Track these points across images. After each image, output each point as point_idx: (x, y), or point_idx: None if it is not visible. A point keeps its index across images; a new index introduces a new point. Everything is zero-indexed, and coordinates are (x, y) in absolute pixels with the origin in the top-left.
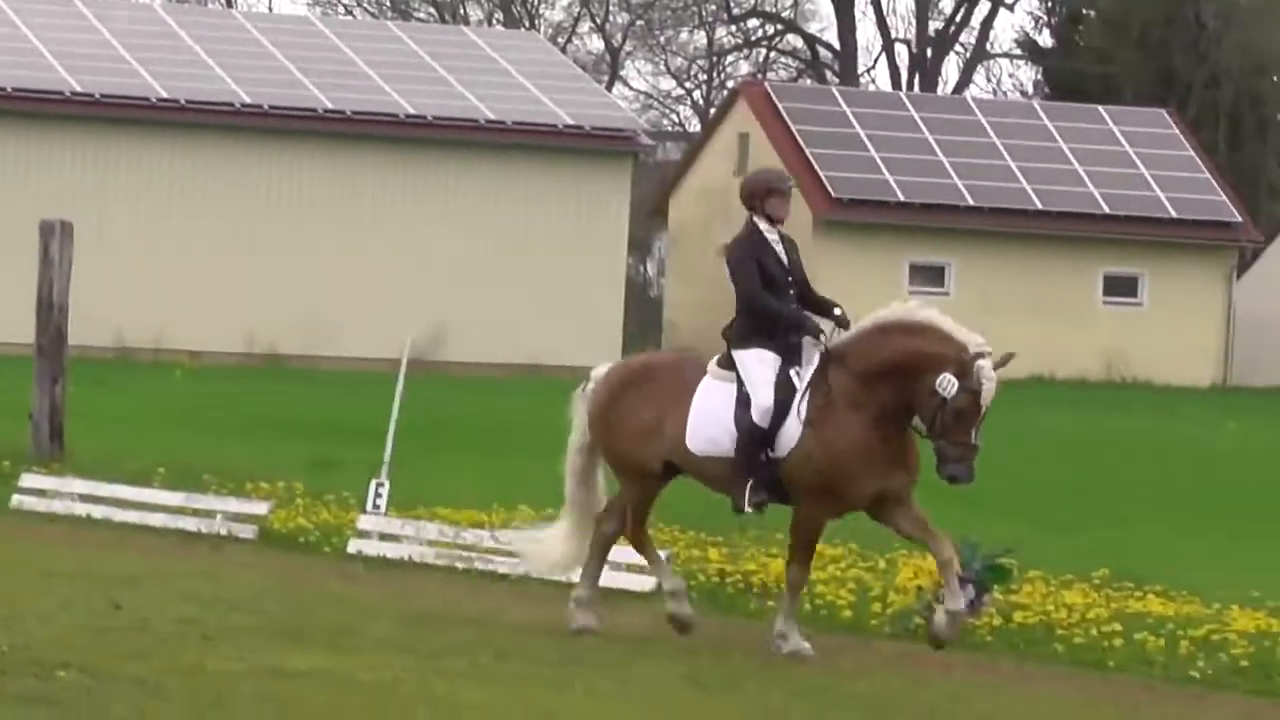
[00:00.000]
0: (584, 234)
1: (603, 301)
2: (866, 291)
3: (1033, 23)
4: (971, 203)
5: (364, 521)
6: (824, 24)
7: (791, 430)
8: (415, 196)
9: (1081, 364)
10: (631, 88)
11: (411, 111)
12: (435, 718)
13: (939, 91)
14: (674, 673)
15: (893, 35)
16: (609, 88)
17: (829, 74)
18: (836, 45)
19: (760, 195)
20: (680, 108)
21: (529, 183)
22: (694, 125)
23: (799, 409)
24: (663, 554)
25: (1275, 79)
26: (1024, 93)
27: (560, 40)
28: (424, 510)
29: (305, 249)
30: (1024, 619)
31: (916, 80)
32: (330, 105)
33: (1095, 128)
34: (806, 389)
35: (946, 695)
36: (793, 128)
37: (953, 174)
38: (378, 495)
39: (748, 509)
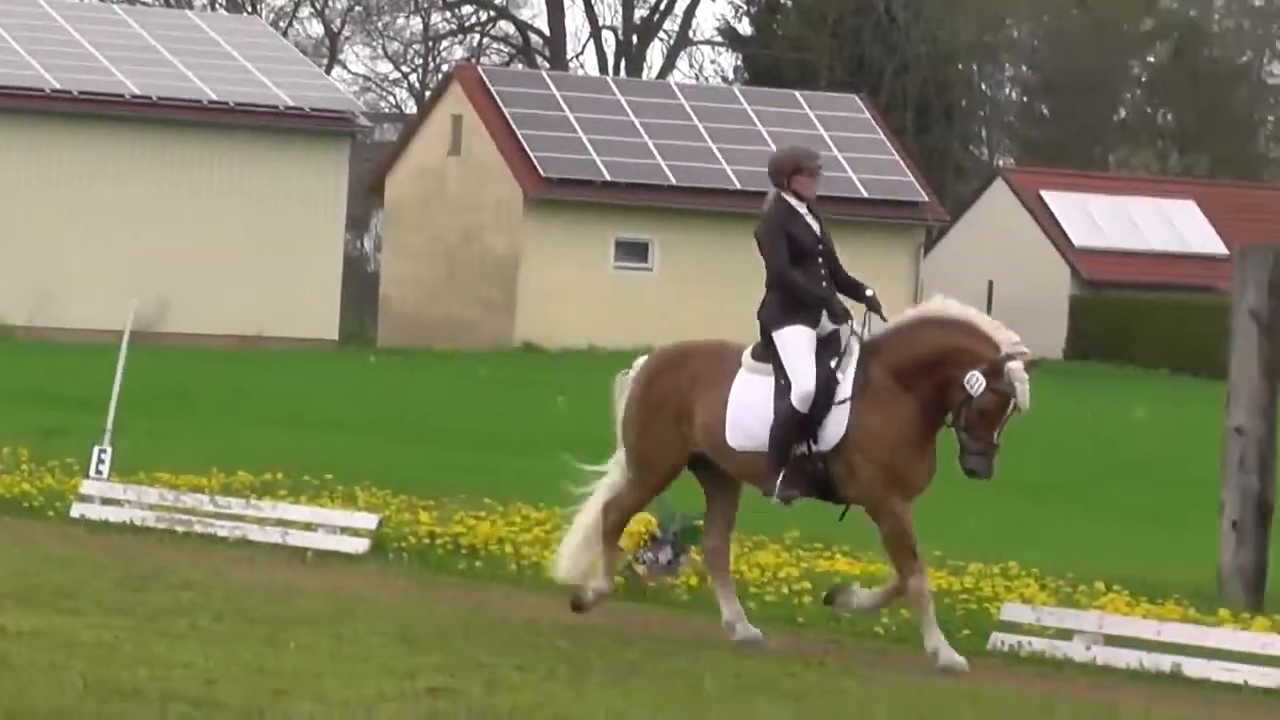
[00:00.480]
0: (304, 211)
1: (321, 275)
2: (574, 265)
3: (733, 11)
4: (674, 182)
5: (87, 486)
6: (535, 11)
7: (836, 423)
8: (140, 174)
9: None
10: (350, 71)
11: (137, 92)
12: (155, 677)
13: (644, 77)
14: (385, 630)
15: (600, 23)
16: (328, 71)
17: (539, 59)
18: (546, 32)
19: (787, 173)
20: (397, 90)
21: (251, 161)
22: (410, 107)
23: (842, 403)
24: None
25: (960, 67)
26: (725, 78)
27: (281, 24)
28: (145, 475)
29: (29, 224)
30: None
31: (623, 66)
32: (57, 85)
33: (791, 112)
34: (849, 383)
35: (646, 652)
36: (504, 110)
37: (656, 155)
38: (100, 461)
39: (776, 499)
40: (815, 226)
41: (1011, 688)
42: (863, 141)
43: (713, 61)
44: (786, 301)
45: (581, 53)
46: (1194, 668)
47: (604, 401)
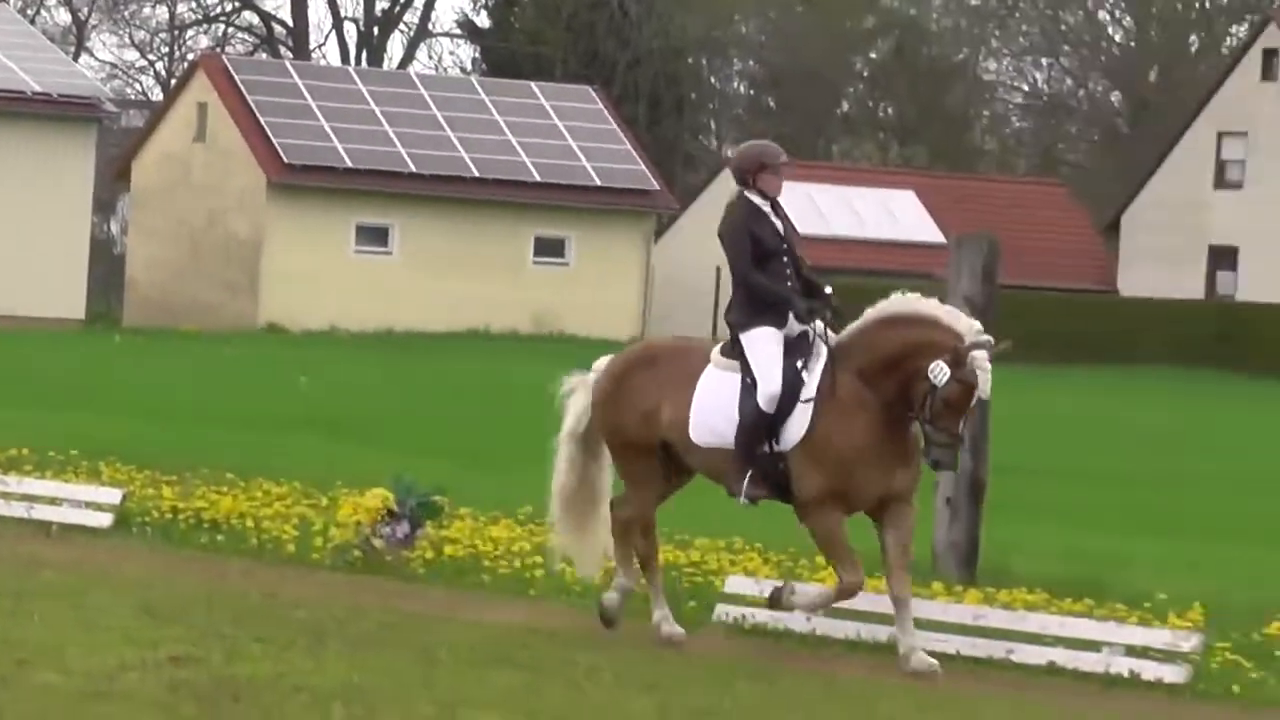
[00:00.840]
0: (51, 194)
1: (68, 257)
2: (316, 249)
3: (471, 5)
4: (414, 170)
5: None
6: (278, 2)
7: (798, 423)
8: None
9: (513, 319)
10: (97, 59)
11: None
12: None
13: (385, 67)
14: (128, 602)
15: (342, 14)
16: (75, 58)
17: (283, 49)
18: (290, 22)
19: (752, 171)
20: (143, 78)
21: None
22: (156, 95)
23: (806, 402)
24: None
25: (690, 61)
26: (463, 70)
27: (30, 12)
28: None
29: None
30: (454, 552)
31: (364, 56)
32: None
33: (528, 102)
34: (814, 384)
35: (382, 624)
36: (248, 98)
37: (397, 143)
38: None
39: (743, 500)
40: (779, 226)
41: (736, 657)
42: (596, 132)
43: (452, 53)
44: (752, 303)
45: (324, 43)
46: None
47: (344, 380)
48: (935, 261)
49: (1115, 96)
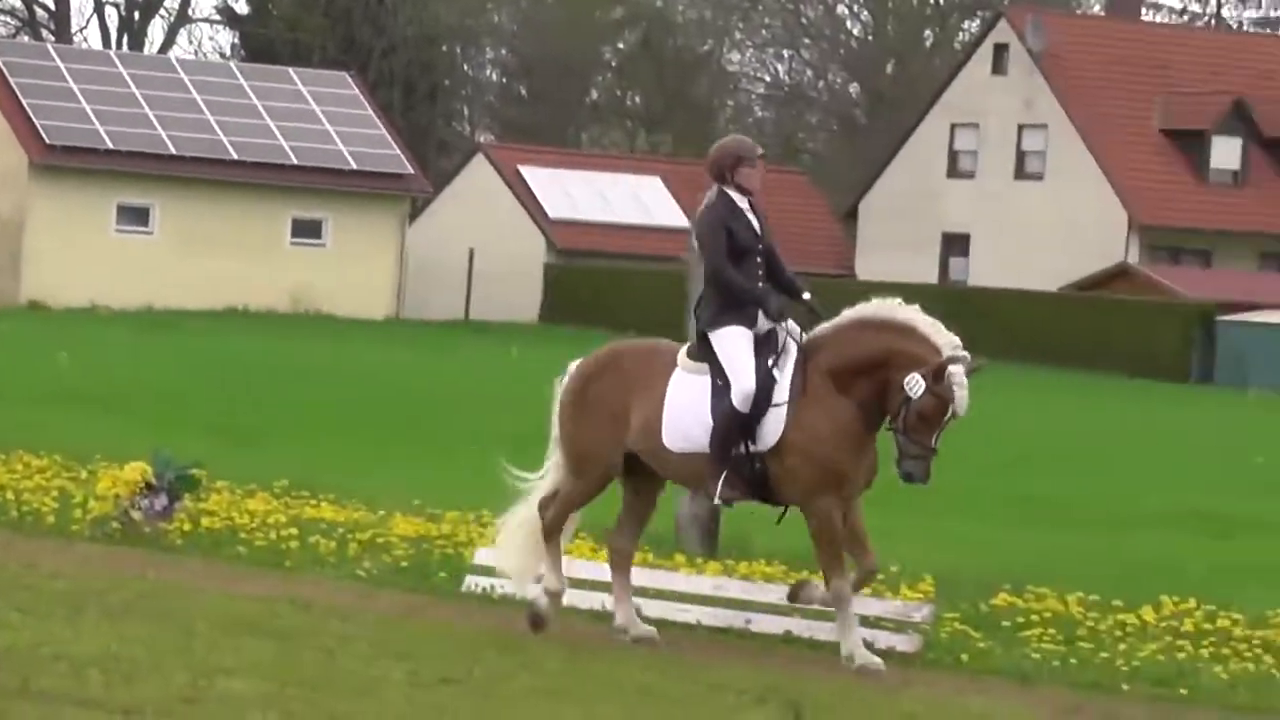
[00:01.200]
0: None
1: None
2: (78, 228)
3: None
4: (174, 151)
5: None
6: None
7: (775, 421)
8: None
9: (271, 298)
10: None
11: None
12: None
13: (145, 51)
14: None
15: None
16: None
17: (45, 32)
18: (52, 5)
19: (729, 166)
20: None
21: None
22: None
23: (780, 404)
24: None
25: (444, 49)
26: (223, 55)
27: None
28: None
29: None
30: (211, 524)
31: (125, 40)
32: None
33: (285, 88)
34: (786, 383)
35: (140, 594)
36: (10, 80)
37: (157, 125)
38: None
39: (718, 502)
40: (755, 223)
41: (484, 626)
42: (352, 117)
43: (211, 39)
44: (723, 301)
45: (85, 26)
46: (653, 609)
47: (103, 356)
48: (680, 245)
49: (854, 88)
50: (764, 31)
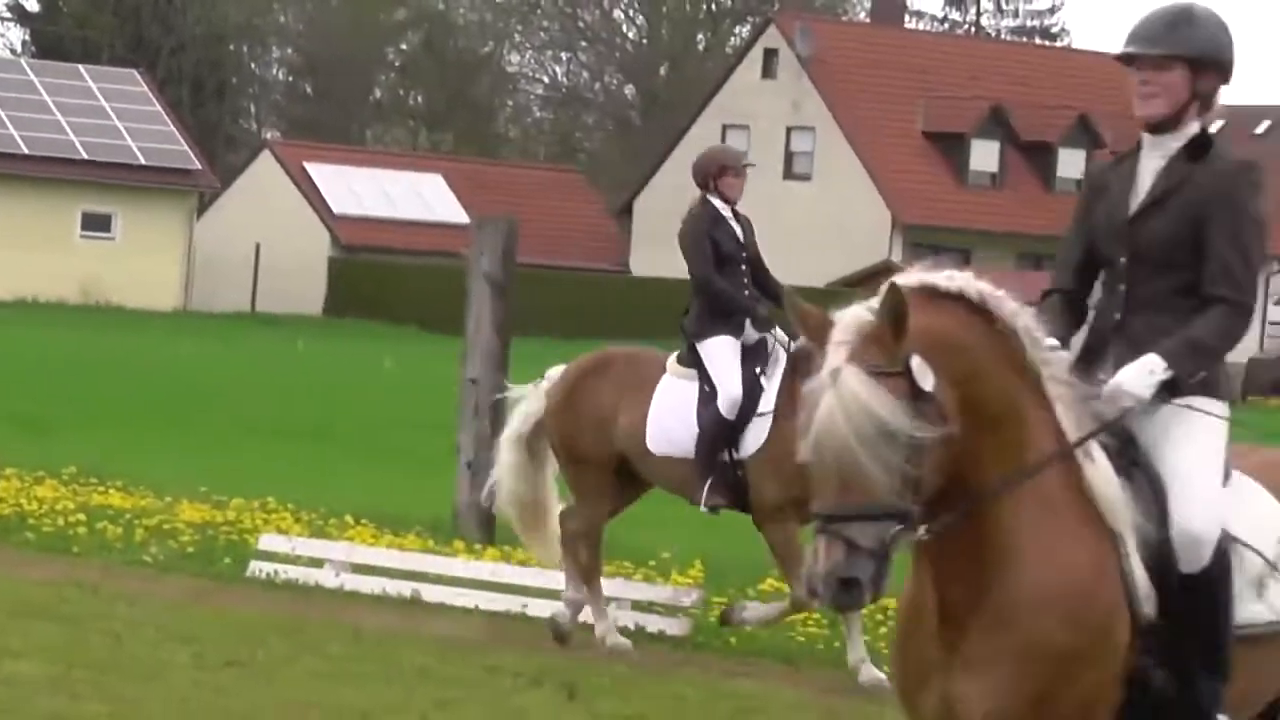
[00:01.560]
0: None
1: None
2: None
3: None
4: None
5: None
6: None
7: (757, 432)
8: None
9: (61, 290)
10: None
11: None
12: None
13: None
14: None
15: None
16: None
17: None
18: None
19: (713, 174)
20: None
21: None
22: None
23: (764, 413)
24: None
25: (232, 48)
26: (13, 51)
27: None
28: None
29: None
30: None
31: None
32: None
33: (75, 84)
34: (773, 392)
35: None
36: None
37: None
38: None
39: (704, 508)
40: (739, 233)
41: (268, 610)
42: (141, 113)
43: (2, 35)
44: (710, 310)
45: None
46: (432, 593)
47: None
48: (460, 241)
49: (629, 90)
50: (542, 34)
